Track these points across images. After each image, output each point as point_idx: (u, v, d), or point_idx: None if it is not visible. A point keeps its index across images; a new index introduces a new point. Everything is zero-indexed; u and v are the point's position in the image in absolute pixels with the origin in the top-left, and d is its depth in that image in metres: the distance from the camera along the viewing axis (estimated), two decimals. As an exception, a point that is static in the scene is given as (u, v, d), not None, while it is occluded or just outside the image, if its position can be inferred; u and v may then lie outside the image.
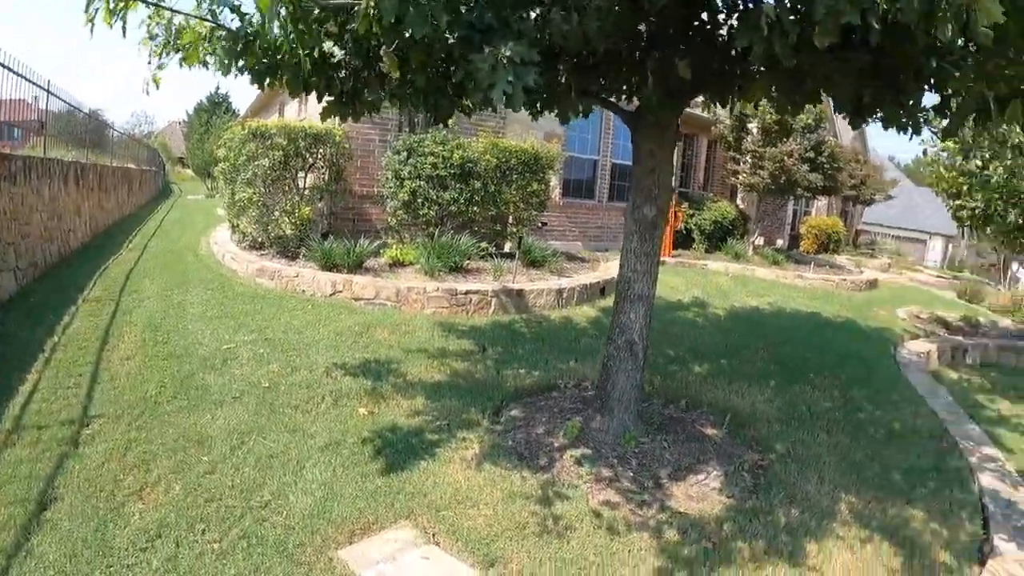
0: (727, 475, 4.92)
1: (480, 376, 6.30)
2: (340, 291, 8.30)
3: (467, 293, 8.38)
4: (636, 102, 5.02)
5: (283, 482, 4.16)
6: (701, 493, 4.67)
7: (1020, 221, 9.04)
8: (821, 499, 4.82)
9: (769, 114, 14.70)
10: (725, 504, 4.54)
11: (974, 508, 5.41)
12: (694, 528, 4.18)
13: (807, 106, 4.42)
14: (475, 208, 10.25)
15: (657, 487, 4.65)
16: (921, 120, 3.85)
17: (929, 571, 4.24)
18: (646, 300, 5.10)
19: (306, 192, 10.31)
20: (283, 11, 3.22)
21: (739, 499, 4.64)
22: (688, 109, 5.63)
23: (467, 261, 9.64)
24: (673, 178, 5.98)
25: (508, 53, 2.91)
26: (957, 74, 3.25)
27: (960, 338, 12.38)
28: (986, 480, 5.97)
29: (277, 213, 9.93)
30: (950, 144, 9.58)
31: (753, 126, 16.39)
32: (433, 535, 3.84)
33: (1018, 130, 7.95)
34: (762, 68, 3.91)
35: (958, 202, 10.08)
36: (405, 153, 9.98)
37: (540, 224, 11.89)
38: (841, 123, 23.50)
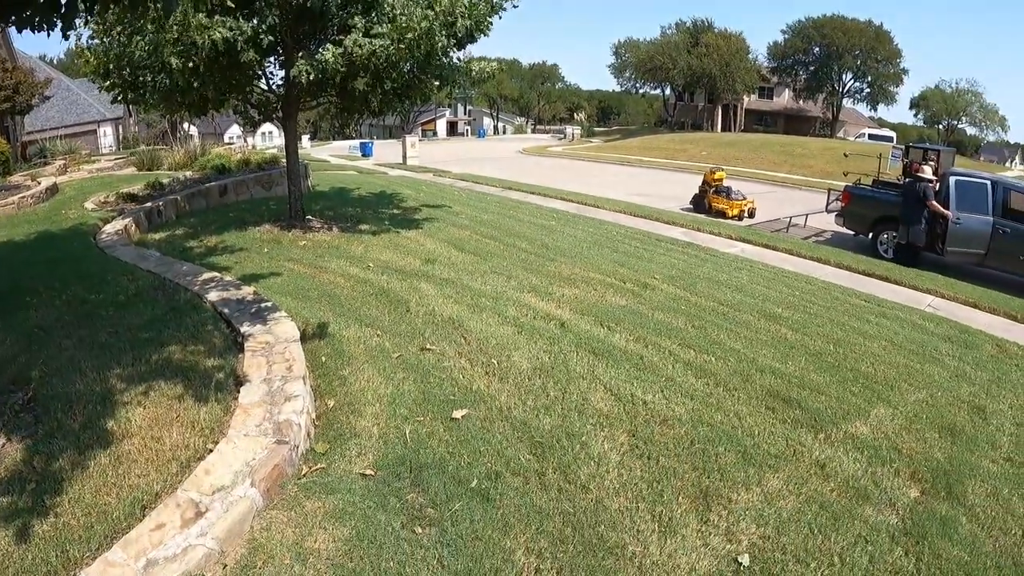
0: (4, 425, 5.33)
1: None
2: None
3: None
4: None
5: None
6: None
7: (169, 84, 10.81)
8: (95, 388, 5.78)
9: None
10: (19, 449, 4.98)
11: (215, 318, 7.39)
12: (14, 483, 4.55)
13: None
14: None
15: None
16: (55, 17, 4.11)
17: (206, 378, 5.86)
18: None
19: None
20: None
21: (30, 436, 5.15)
22: None
23: None
24: None
25: None
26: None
27: (150, 204, 14.45)
28: (214, 296, 8.02)
29: None
30: (94, 27, 10.62)
31: None
32: None
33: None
34: None
35: (107, 83, 11.29)
36: None
37: None
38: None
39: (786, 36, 76.89)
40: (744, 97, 76.37)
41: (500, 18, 11.91)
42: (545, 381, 6.46)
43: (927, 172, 14.49)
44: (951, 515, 4.89)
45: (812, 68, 75.28)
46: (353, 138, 64.76)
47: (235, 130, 68.45)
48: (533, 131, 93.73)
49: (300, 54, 11.18)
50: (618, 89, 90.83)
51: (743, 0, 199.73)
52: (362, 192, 19.18)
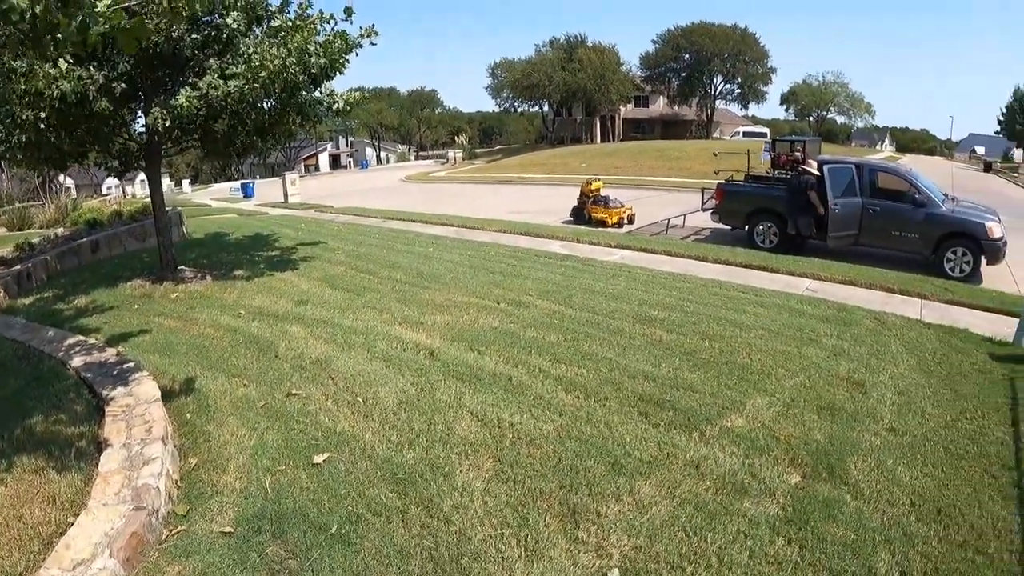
0: None
1: None
2: None
3: None
4: None
5: None
6: None
7: (24, 139, 10.29)
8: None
9: None
10: None
11: (78, 384, 7.05)
12: None
13: None
14: None
15: None
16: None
17: (67, 448, 5.56)
18: None
19: None
20: None
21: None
22: None
23: None
24: None
25: None
26: None
27: (19, 267, 13.61)
28: (78, 361, 7.73)
29: None
30: None
31: None
32: None
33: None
34: None
35: None
36: None
37: None
38: None
39: (657, 46, 79.83)
40: (621, 107, 78.50)
41: (357, 55, 11.82)
42: (410, 414, 6.32)
43: (812, 166, 15.12)
44: (834, 496, 4.92)
45: (684, 74, 78.27)
46: (235, 179, 63.66)
47: (113, 179, 66.62)
48: (416, 158, 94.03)
49: (159, 99, 10.86)
50: (498, 109, 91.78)
51: (616, 14, 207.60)
52: (239, 236, 18.71)
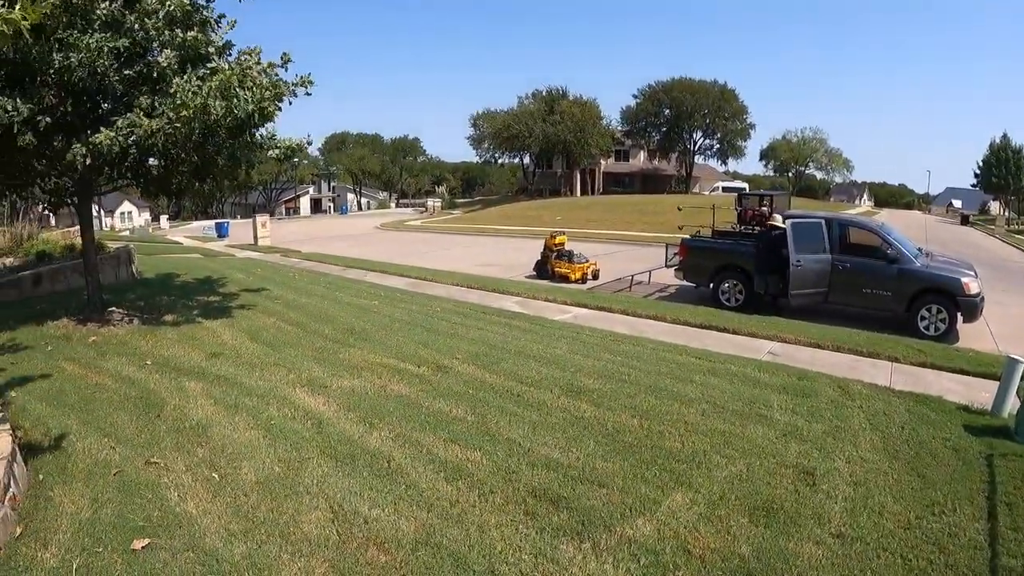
0: None
1: None
2: None
3: None
4: None
5: None
6: None
7: None
8: None
9: None
10: None
11: None
12: None
13: None
14: None
15: None
16: None
17: None
18: None
19: None
20: None
21: None
22: None
23: None
24: None
25: None
26: None
27: None
28: None
29: None
30: None
31: None
32: None
33: None
34: None
35: None
36: None
37: None
38: None
39: (637, 100, 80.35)
40: (601, 161, 78.65)
41: (290, 103, 11.18)
42: (261, 498, 5.42)
43: (778, 220, 14.46)
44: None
45: (664, 129, 78.69)
46: (215, 217, 63.26)
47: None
48: (396, 205, 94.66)
49: (84, 136, 10.24)
50: (480, 160, 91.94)
51: (598, 68, 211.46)
52: (189, 278, 18.01)
